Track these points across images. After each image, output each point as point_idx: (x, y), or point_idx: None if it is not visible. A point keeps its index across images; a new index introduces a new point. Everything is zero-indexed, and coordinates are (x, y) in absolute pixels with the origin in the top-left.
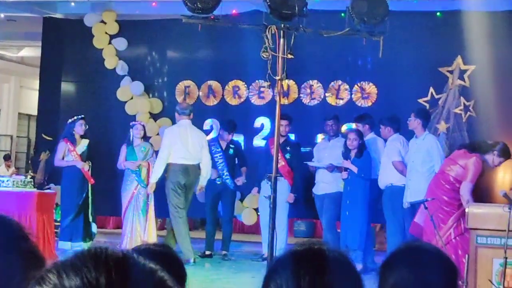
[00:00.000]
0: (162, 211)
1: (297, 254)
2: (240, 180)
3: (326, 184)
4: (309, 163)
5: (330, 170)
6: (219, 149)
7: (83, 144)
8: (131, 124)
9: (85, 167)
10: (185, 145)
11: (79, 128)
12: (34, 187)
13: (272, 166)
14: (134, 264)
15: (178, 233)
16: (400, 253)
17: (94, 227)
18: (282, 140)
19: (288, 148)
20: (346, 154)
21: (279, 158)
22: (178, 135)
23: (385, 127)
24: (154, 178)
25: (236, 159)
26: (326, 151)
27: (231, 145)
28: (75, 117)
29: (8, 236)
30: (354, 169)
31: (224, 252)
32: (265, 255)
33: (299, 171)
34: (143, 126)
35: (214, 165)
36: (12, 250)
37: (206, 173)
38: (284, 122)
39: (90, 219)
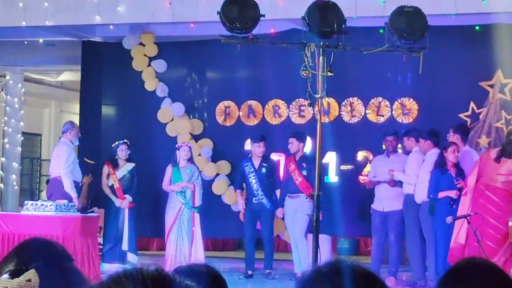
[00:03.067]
0: (208, 231)
1: (323, 273)
2: (280, 211)
3: (391, 200)
4: (371, 178)
5: (391, 185)
6: (252, 169)
7: (125, 168)
8: (177, 146)
9: (123, 205)
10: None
11: (120, 153)
12: (78, 211)
13: (288, 184)
14: (171, 281)
15: None
16: (462, 268)
17: (130, 257)
18: (298, 157)
19: (304, 164)
20: (442, 170)
21: (296, 175)
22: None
23: (424, 141)
24: (73, 194)
25: (271, 178)
26: (387, 167)
27: (263, 164)
28: (117, 142)
29: (53, 256)
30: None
31: (268, 270)
32: (298, 274)
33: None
34: (190, 147)
35: (249, 186)
36: (57, 268)
37: None
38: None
39: (126, 247)
